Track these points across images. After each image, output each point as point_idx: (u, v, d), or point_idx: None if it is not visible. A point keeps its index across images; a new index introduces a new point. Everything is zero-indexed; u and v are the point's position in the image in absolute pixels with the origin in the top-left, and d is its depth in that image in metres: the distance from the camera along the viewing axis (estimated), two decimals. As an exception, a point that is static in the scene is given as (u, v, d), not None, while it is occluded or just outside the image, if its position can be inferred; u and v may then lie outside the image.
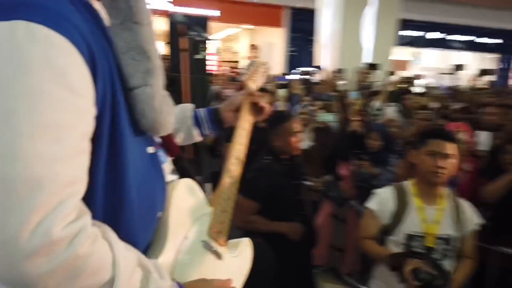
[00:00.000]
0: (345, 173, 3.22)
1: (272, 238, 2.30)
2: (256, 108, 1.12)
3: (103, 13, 0.68)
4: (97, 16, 0.66)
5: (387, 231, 1.67)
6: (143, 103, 0.68)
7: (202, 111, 1.14)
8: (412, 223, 1.61)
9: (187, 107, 1.13)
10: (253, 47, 12.87)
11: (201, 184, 0.96)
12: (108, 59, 0.64)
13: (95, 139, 0.62)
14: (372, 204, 1.72)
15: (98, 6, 0.67)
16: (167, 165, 0.88)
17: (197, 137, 1.13)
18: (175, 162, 0.92)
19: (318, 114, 4.01)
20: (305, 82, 5.96)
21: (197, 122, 1.12)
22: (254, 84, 1.19)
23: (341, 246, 3.16)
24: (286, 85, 5.51)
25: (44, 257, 0.51)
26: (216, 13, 9.39)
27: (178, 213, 0.85)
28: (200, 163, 3.84)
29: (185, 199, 0.88)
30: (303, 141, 4.09)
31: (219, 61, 17.22)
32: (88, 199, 0.62)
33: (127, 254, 0.63)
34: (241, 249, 1.03)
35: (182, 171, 0.92)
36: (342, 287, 3.06)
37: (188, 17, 4.57)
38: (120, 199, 0.67)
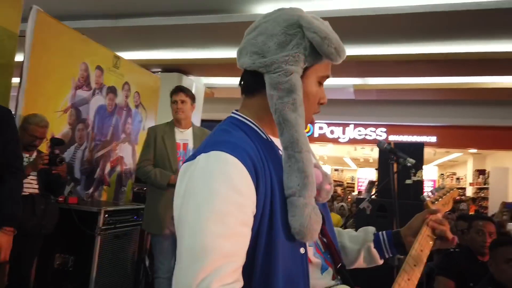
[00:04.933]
0: None
1: None
2: (439, 235, 1.05)
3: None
4: (272, 145, 0.94)
5: None
6: (296, 208, 0.84)
7: (384, 234, 1.15)
8: None
9: (369, 229, 1.17)
10: (479, 172, 11.59)
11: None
12: (271, 175, 0.86)
13: (257, 232, 0.81)
14: None
15: (275, 140, 0.96)
16: (328, 272, 0.95)
17: (379, 260, 1.14)
18: (338, 271, 0.97)
19: None
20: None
21: (379, 245, 1.14)
22: (436, 208, 1.15)
23: None
24: None
25: None
26: (432, 139, 9.27)
27: None
28: None
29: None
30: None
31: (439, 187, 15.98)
32: (249, 278, 0.79)
33: None
34: None
35: (343, 279, 0.98)
36: None
37: (396, 144, 4.69)
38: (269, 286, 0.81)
